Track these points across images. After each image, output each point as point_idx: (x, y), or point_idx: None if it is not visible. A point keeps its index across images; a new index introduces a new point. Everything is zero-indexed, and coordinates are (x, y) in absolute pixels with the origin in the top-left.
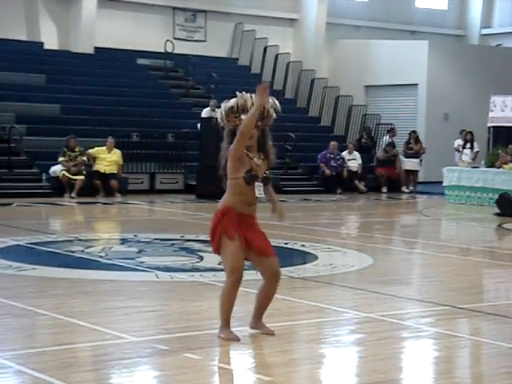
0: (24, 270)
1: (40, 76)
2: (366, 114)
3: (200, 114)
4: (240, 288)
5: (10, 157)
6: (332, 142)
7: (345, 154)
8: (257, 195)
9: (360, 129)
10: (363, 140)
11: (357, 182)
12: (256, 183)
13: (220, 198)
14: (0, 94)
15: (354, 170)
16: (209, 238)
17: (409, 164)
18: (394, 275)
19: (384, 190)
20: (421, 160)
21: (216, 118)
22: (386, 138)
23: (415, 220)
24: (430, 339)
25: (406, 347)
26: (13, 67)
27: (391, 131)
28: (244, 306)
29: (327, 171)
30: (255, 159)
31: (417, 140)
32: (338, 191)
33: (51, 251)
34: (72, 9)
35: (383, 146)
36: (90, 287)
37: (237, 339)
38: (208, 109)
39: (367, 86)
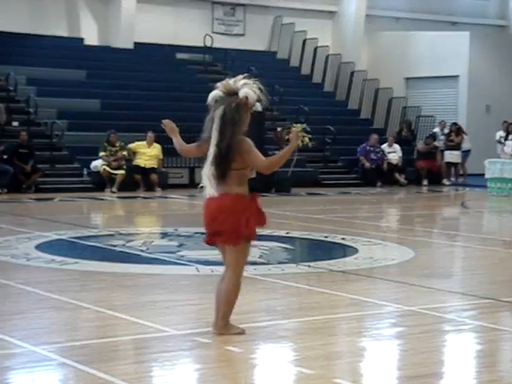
0: (67, 263)
1: (80, 71)
2: (406, 107)
3: None
4: (281, 281)
5: (51, 152)
6: (372, 135)
7: (385, 146)
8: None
9: (400, 121)
10: (403, 133)
11: (397, 174)
12: None
13: (260, 192)
14: (41, 90)
15: (394, 162)
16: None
17: (450, 156)
18: (436, 268)
19: (425, 182)
20: (463, 152)
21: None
22: (438, 130)
23: (456, 213)
24: (473, 332)
25: (448, 341)
26: (54, 63)
27: (441, 123)
28: (285, 299)
29: (367, 164)
30: None
31: (458, 132)
32: (378, 184)
33: (93, 245)
34: (112, 4)
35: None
36: (131, 281)
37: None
38: None
39: (407, 78)
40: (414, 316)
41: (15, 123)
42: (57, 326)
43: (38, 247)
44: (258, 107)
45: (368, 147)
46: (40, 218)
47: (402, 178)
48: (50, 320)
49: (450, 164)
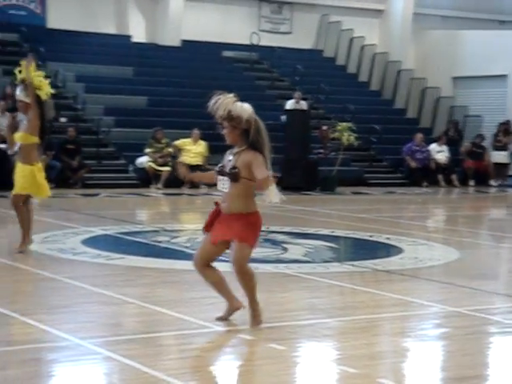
0: (112, 259)
1: (128, 69)
2: (453, 106)
3: (285, 105)
4: (325, 280)
5: (98, 148)
6: (418, 134)
7: (434, 145)
8: (219, 188)
9: (447, 121)
10: (450, 133)
11: (440, 176)
12: (219, 177)
13: (304, 190)
14: (89, 87)
15: (442, 162)
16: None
17: (497, 157)
18: (482, 269)
19: (471, 183)
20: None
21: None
22: (496, 132)
23: (503, 214)
24: None
25: (493, 343)
26: (102, 60)
27: (504, 125)
28: (329, 298)
29: (412, 164)
30: (230, 156)
31: (506, 132)
32: (424, 184)
33: (138, 241)
34: (160, 2)
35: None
36: (176, 277)
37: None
38: (293, 101)
39: (455, 78)
40: (459, 317)
41: (63, 119)
42: (102, 320)
43: (85, 242)
44: (304, 106)
45: (414, 147)
46: (86, 213)
47: (451, 178)
48: (96, 314)
49: (497, 165)
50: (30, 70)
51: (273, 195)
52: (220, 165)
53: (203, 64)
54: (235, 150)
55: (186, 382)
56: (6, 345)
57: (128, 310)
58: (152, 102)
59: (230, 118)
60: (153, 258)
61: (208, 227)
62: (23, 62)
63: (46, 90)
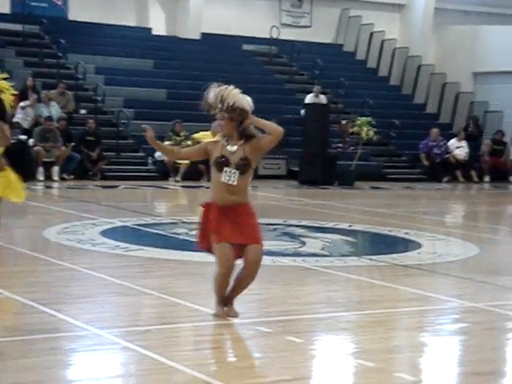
0: (131, 250)
1: (148, 61)
2: (473, 102)
3: (304, 99)
4: (342, 274)
5: (117, 140)
6: (433, 129)
7: (453, 141)
8: (225, 181)
9: (467, 116)
10: (469, 128)
11: (459, 172)
12: (224, 169)
13: (323, 184)
14: (109, 79)
15: (461, 158)
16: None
17: None
18: (501, 265)
19: (486, 179)
20: None
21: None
22: None
23: None
24: None
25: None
26: (122, 52)
27: None
28: (346, 292)
29: (425, 162)
30: (228, 147)
31: None
32: (444, 179)
33: (157, 233)
34: None
35: None
36: (194, 269)
37: (224, 315)
38: (312, 95)
39: (475, 73)
40: (477, 312)
41: (83, 111)
42: (120, 311)
43: (103, 233)
44: (323, 100)
45: (430, 142)
46: (105, 204)
47: (472, 174)
48: (114, 305)
49: None
50: None
51: None
52: (218, 155)
53: (223, 57)
54: (237, 141)
55: (202, 373)
56: (26, 334)
57: (146, 300)
58: (171, 94)
59: (234, 109)
60: (171, 249)
61: (204, 241)
62: None
63: (9, 93)
